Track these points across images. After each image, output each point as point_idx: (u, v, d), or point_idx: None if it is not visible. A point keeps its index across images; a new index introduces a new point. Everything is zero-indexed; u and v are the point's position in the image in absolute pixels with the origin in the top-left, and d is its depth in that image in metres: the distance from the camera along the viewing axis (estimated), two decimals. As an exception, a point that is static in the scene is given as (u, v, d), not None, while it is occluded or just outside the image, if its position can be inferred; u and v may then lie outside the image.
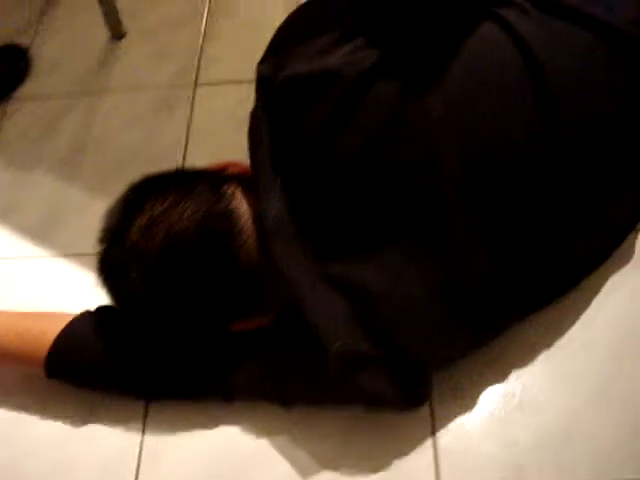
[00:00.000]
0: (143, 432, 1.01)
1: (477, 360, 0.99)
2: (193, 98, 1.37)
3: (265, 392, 0.95)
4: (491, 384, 1.00)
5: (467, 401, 0.99)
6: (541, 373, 1.00)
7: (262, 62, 0.95)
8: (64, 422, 1.03)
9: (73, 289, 1.16)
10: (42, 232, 1.23)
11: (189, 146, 1.31)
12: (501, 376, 1.01)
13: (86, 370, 0.98)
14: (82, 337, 0.98)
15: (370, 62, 0.86)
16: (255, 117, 0.94)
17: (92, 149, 1.33)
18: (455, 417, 0.98)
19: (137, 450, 1.00)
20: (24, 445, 1.02)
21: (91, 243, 1.16)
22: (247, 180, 0.94)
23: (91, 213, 1.19)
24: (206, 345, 0.96)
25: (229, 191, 0.90)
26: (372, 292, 0.85)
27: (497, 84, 0.84)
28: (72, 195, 1.27)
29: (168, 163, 1.25)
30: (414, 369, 0.88)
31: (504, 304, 0.91)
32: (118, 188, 1.22)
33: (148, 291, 0.87)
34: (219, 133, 1.32)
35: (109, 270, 0.91)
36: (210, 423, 1.01)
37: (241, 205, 0.90)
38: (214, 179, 0.92)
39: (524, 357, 1.02)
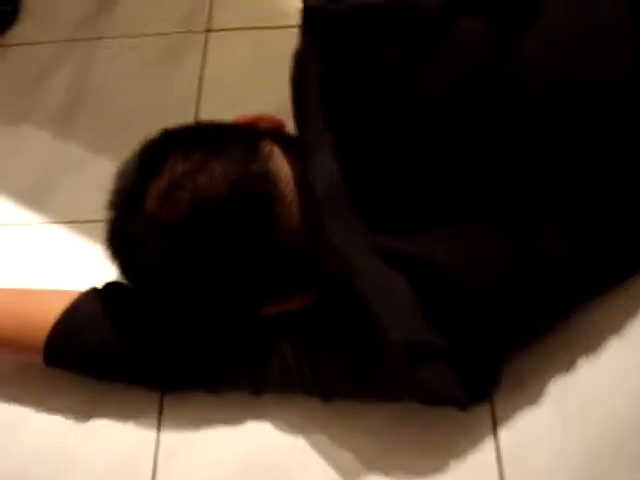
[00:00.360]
0: (159, 429, 0.88)
1: (541, 348, 0.86)
2: (205, 45, 1.21)
3: (303, 384, 0.81)
4: (557, 375, 0.88)
5: (531, 394, 0.87)
6: (612, 363, 0.88)
7: None
8: (66, 416, 0.89)
9: (74, 261, 1.02)
10: (35, 195, 1.08)
11: (202, 99, 1.15)
12: (568, 366, 0.88)
13: (92, 357, 0.84)
14: (87, 318, 0.84)
15: None
16: (302, 59, 0.79)
17: (90, 102, 1.17)
18: (518, 412, 0.86)
19: (153, 449, 0.86)
20: (20, 443, 0.88)
21: (92, 208, 1.03)
22: (285, 137, 0.80)
23: (91, 174, 1.08)
24: (234, 329, 0.82)
25: (265, 150, 0.75)
26: (442, 270, 0.72)
27: (597, 31, 0.71)
28: (68, 154, 1.12)
29: (178, 118, 1.09)
30: (484, 360, 0.76)
31: (583, 284, 0.79)
32: (121, 146, 1.07)
33: (169, 267, 0.73)
34: (235, 84, 1.17)
35: (122, 242, 0.76)
36: (236, 418, 0.87)
37: (281, 166, 0.75)
38: (246, 135, 0.77)
39: (593, 345, 0.89)
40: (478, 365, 0.76)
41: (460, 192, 0.73)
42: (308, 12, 0.77)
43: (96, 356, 0.83)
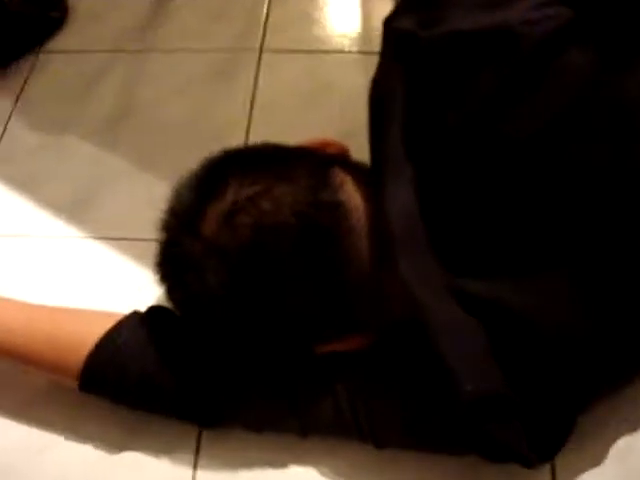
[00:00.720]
0: (195, 467, 0.82)
1: (604, 402, 0.80)
2: (258, 66, 1.16)
3: (357, 431, 0.76)
4: (622, 432, 0.82)
5: (593, 452, 0.81)
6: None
7: (396, 15, 0.75)
8: (96, 446, 0.83)
9: (113, 280, 0.97)
10: (75, 208, 1.03)
11: (252, 120, 1.10)
12: (633, 423, 0.83)
13: (131, 385, 0.78)
14: (129, 344, 0.78)
15: (558, 23, 0.66)
16: (383, 84, 0.74)
17: (135, 117, 1.12)
18: (579, 471, 0.80)
19: (189, 487, 0.80)
20: (42, 473, 0.82)
21: (134, 225, 1.00)
22: (355, 165, 0.75)
23: (134, 190, 1.04)
24: (286, 367, 0.76)
25: (337, 179, 0.70)
26: (521, 317, 0.67)
27: None
28: (112, 167, 1.07)
29: (227, 138, 1.08)
30: (558, 418, 0.70)
31: None
32: (166, 163, 1.06)
33: (228, 296, 0.68)
34: (286, 108, 1.12)
35: (175, 265, 0.71)
36: (278, 461, 0.82)
37: (352, 197, 0.70)
38: (316, 161, 0.72)
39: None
40: (551, 423, 0.71)
41: (547, 240, 0.67)
42: (397, 37, 0.72)
43: (135, 385, 0.78)
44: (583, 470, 0.80)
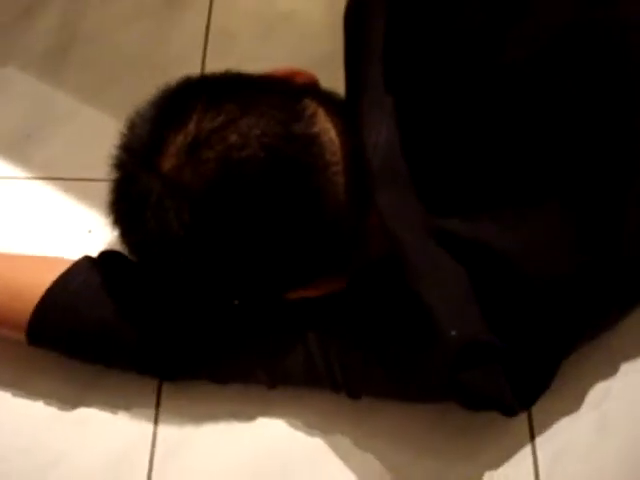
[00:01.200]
0: (156, 422, 0.77)
1: (579, 350, 0.77)
2: (212, -9, 1.08)
3: (330, 380, 0.71)
4: (598, 380, 0.80)
5: (569, 399, 0.79)
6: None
7: None
8: (48, 403, 0.77)
9: (59, 223, 0.89)
10: (15, 147, 0.94)
11: (208, 50, 1.02)
12: (610, 370, 0.80)
13: (84, 337, 0.72)
14: (81, 293, 0.72)
15: None
16: (361, 11, 0.67)
17: (81, 45, 1.03)
18: (555, 418, 0.78)
19: (149, 445, 0.75)
20: (-5, 434, 0.76)
21: (81, 164, 0.92)
22: (328, 96, 0.68)
23: (79, 126, 0.96)
24: (253, 314, 0.71)
25: (310, 110, 0.64)
26: (505, 258, 0.62)
27: None
28: (55, 102, 0.98)
29: (180, 72, 0.99)
30: (543, 363, 0.67)
31: None
32: (114, 97, 0.98)
33: (191, 238, 0.62)
34: (243, 38, 1.05)
35: (132, 206, 0.64)
36: (243, 413, 0.78)
37: (326, 129, 0.64)
38: (286, 91, 0.66)
39: (634, 347, 0.81)
40: (534, 369, 0.67)
41: (531, 175, 0.63)
42: None
43: (89, 336, 0.72)
44: (559, 416, 0.78)
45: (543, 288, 0.63)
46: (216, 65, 0.99)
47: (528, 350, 0.66)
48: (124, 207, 0.65)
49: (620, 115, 0.61)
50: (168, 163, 0.62)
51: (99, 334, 0.72)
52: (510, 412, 0.69)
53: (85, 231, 0.88)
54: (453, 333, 0.62)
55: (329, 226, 0.64)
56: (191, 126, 0.62)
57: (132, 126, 0.66)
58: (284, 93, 0.65)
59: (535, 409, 0.76)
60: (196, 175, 0.61)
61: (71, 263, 0.74)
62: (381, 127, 0.64)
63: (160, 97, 0.66)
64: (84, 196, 0.90)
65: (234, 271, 0.64)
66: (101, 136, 0.93)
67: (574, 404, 0.78)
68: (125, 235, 0.67)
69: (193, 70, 1.00)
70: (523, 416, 0.77)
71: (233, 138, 0.61)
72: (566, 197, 0.62)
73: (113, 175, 0.67)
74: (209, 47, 1.03)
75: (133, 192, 0.64)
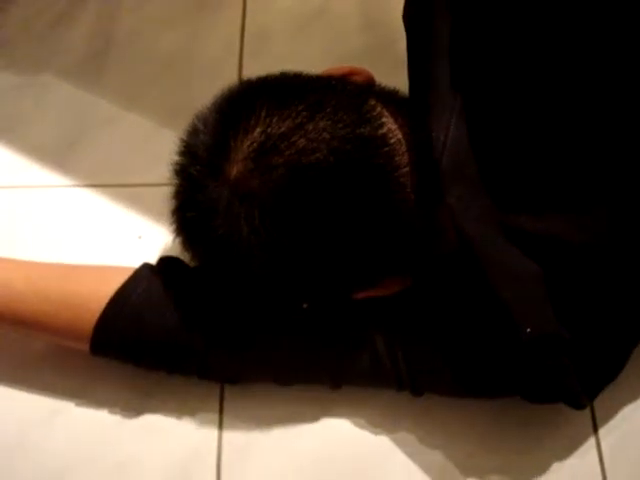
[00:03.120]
0: (220, 426, 0.77)
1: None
2: (246, -9, 1.07)
3: (396, 379, 0.71)
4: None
5: (630, 390, 0.79)
6: None
7: None
8: (112, 412, 0.77)
9: (107, 230, 0.89)
10: (58, 154, 0.94)
11: (244, 50, 1.02)
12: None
13: (148, 345, 0.72)
14: (144, 301, 0.72)
15: None
16: (424, 5, 0.67)
17: (117, 50, 1.03)
18: (619, 411, 0.78)
19: (215, 449, 0.76)
20: (54, 442, 0.76)
21: (124, 170, 0.92)
22: (390, 96, 0.68)
23: (121, 132, 0.96)
24: (319, 316, 0.71)
25: (376, 111, 0.64)
26: (577, 249, 0.62)
27: None
28: (94, 108, 0.98)
29: (218, 72, 1.01)
30: (611, 356, 0.67)
31: None
32: (154, 101, 0.98)
33: (262, 245, 0.62)
34: (278, 36, 1.04)
35: (199, 214, 0.64)
36: (308, 414, 0.78)
37: (394, 130, 0.64)
38: (350, 92, 0.66)
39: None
40: (603, 361, 0.67)
41: (608, 173, 0.62)
42: None
43: (153, 344, 0.72)
44: (621, 405, 0.78)
45: (615, 278, 0.63)
46: (253, 65, 1.01)
47: (598, 343, 0.66)
48: (191, 215, 0.65)
49: None
50: (235, 169, 0.62)
51: (163, 341, 0.72)
52: (579, 405, 0.69)
53: (135, 237, 0.87)
54: (528, 330, 0.62)
55: (399, 227, 0.64)
56: (257, 131, 0.62)
57: (195, 131, 0.65)
58: (348, 93, 0.65)
59: (597, 399, 0.76)
60: (265, 181, 0.61)
61: (131, 271, 0.74)
62: (449, 125, 0.63)
63: (222, 101, 0.66)
64: (132, 202, 0.90)
65: (305, 275, 0.64)
66: (143, 140, 0.95)
67: (634, 393, 0.78)
68: (192, 242, 0.67)
69: (230, 71, 1.01)
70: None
71: (302, 143, 0.61)
72: (631, 191, 0.62)
73: (175, 181, 0.66)
74: (245, 47, 1.03)
75: (200, 199, 0.63)
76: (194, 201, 0.64)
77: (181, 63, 1.02)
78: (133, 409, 0.77)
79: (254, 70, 0.94)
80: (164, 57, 1.02)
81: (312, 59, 1.01)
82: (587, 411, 0.78)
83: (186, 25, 1.05)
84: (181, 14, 1.06)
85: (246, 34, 1.04)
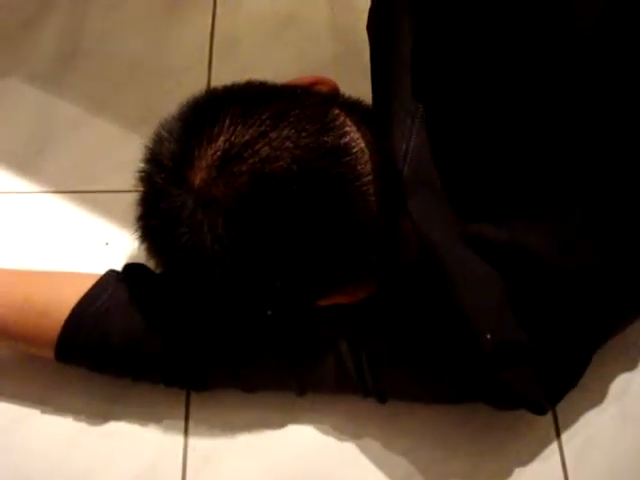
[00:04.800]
0: (186, 432, 0.77)
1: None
2: (215, -3, 1.08)
3: (361, 385, 0.72)
4: (618, 373, 0.81)
5: (592, 395, 0.80)
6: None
7: None
8: (78, 419, 0.77)
9: (74, 237, 0.89)
10: (25, 160, 0.93)
11: (214, 56, 1.02)
12: (629, 362, 0.82)
13: (113, 351, 0.72)
14: (109, 308, 0.72)
15: None
16: (386, 14, 0.67)
17: (86, 54, 1.02)
18: (580, 413, 0.79)
19: (180, 456, 0.75)
20: (20, 450, 0.76)
21: (90, 176, 0.92)
22: (353, 105, 0.69)
23: (87, 138, 0.96)
24: (284, 322, 0.71)
25: (339, 120, 0.64)
26: (539, 258, 0.63)
27: None
28: (61, 114, 0.98)
29: (187, 78, 1.01)
30: (573, 361, 0.68)
31: None
32: (122, 107, 0.98)
33: (225, 252, 0.62)
34: (248, 42, 1.05)
35: (163, 222, 0.64)
36: (273, 421, 0.78)
37: (356, 139, 0.65)
38: (313, 101, 0.66)
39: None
40: (564, 367, 0.68)
41: (569, 177, 0.63)
42: None
43: (119, 351, 0.72)
44: (583, 410, 0.80)
45: (575, 284, 0.64)
46: (222, 70, 1.02)
47: (559, 349, 0.67)
48: (155, 222, 0.65)
49: None
50: (199, 177, 0.62)
51: (127, 348, 0.72)
52: (540, 411, 0.70)
53: (102, 243, 0.87)
54: (488, 336, 0.63)
55: (361, 235, 0.64)
56: (221, 139, 0.62)
57: (160, 140, 0.66)
58: (312, 103, 0.65)
59: (559, 404, 0.77)
60: (229, 189, 0.61)
61: (96, 277, 0.74)
62: (411, 134, 0.64)
63: (187, 110, 0.66)
64: (98, 208, 0.90)
65: (268, 282, 0.64)
66: (110, 146, 0.95)
67: (597, 398, 0.79)
68: (156, 249, 0.67)
69: (200, 76, 1.01)
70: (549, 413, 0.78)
71: (265, 151, 0.61)
72: (595, 196, 0.63)
73: (140, 189, 0.67)
74: (214, 53, 1.03)
75: (164, 207, 0.63)
76: (158, 209, 0.64)
77: (150, 68, 1.01)
78: (99, 416, 0.77)
79: (223, 76, 0.95)
80: (133, 62, 1.02)
81: (281, 65, 1.02)
82: (550, 416, 0.78)
83: (155, 30, 1.05)
84: (150, 19, 1.06)
85: (215, 40, 1.04)
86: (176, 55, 1.03)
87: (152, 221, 0.66)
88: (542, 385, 0.68)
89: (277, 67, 1.01)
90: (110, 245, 0.87)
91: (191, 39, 1.04)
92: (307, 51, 1.04)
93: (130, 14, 1.06)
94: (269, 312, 0.70)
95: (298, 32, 1.06)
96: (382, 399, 0.73)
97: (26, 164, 0.93)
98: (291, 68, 1.01)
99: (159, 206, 0.64)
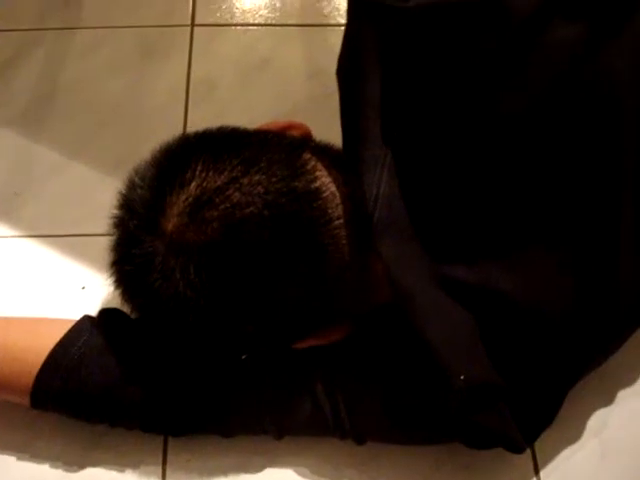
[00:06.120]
0: (164, 477, 0.76)
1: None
2: (191, 40, 1.09)
3: (338, 428, 0.72)
4: (596, 408, 0.81)
5: (570, 431, 0.80)
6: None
7: None
8: (54, 466, 0.76)
9: (51, 281, 0.88)
10: (4, 205, 0.94)
11: (190, 99, 1.03)
12: (607, 397, 0.82)
13: (89, 398, 0.72)
14: (84, 354, 0.72)
15: None
16: (355, 62, 0.68)
17: (63, 98, 1.03)
18: (558, 449, 0.79)
19: (158, 502, 0.75)
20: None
21: (69, 220, 0.92)
22: (325, 150, 0.70)
23: (64, 182, 0.96)
24: (259, 366, 0.72)
25: (310, 164, 0.65)
26: (510, 301, 0.64)
27: None
28: (40, 157, 0.98)
29: (163, 122, 1.02)
30: (547, 400, 0.68)
31: None
32: (100, 149, 0.99)
33: (197, 297, 0.62)
34: (224, 86, 1.06)
35: (136, 267, 0.64)
36: (251, 465, 0.77)
37: (327, 184, 0.65)
38: (285, 146, 0.67)
39: (630, 374, 0.83)
40: (540, 405, 0.69)
41: (535, 217, 0.64)
42: (370, 8, 0.67)
43: (95, 398, 0.72)
44: (562, 447, 0.80)
45: (545, 326, 0.65)
46: (198, 113, 1.02)
47: (533, 388, 0.67)
48: (127, 268, 0.65)
49: (607, 163, 0.64)
50: (171, 224, 0.62)
51: (103, 395, 0.71)
52: (517, 449, 0.70)
53: (79, 288, 0.87)
54: (461, 377, 0.63)
55: (333, 279, 0.65)
56: (193, 185, 0.63)
57: (132, 186, 0.66)
58: (283, 148, 0.66)
59: (537, 441, 0.77)
60: (200, 235, 0.62)
61: (71, 323, 0.73)
62: (381, 179, 0.65)
63: (159, 156, 0.66)
64: (76, 252, 0.90)
65: (241, 327, 0.65)
66: (88, 190, 0.96)
67: (575, 434, 0.80)
68: (129, 295, 0.67)
69: (176, 119, 1.02)
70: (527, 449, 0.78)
71: (236, 197, 0.62)
72: (563, 239, 0.64)
73: (113, 234, 0.67)
74: (190, 95, 1.04)
75: (137, 253, 0.64)
76: (131, 255, 0.64)
77: (127, 111, 1.02)
78: (75, 463, 0.76)
79: (200, 119, 0.97)
80: (110, 105, 1.03)
81: (257, 108, 1.03)
82: (528, 453, 0.78)
83: (132, 73, 1.06)
84: (127, 62, 1.07)
85: (192, 82, 1.05)
86: (152, 99, 1.03)
87: (125, 267, 0.66)
88: (518, 424, 0.68)
89: (253, 110, 1.02)
90: (87, 289, 0.87)
91: (167, 83, 1.05)
92: (283, 94, 1.05)
93: (107, 58, 1.07)
94: (244, 356, 0.69)
95: (273, 75, 1.07)
96: (360, 441, 0.73)
97: (3, 208, 0.93)
98: (267, 111, 1.02)
99: (132, 252, 0.64)
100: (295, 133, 0.71)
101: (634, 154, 0.64)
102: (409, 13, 0.65)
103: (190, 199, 0.62)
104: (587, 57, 0.64)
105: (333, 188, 0.65)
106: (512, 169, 0.64)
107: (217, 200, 0.62)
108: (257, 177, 0.62)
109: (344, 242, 0.64)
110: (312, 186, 0.64)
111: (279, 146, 0.66)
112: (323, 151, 0.69)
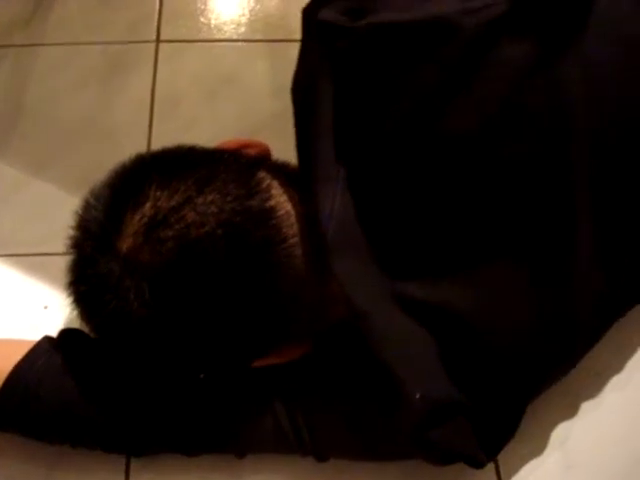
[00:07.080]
0: (125, 498, 0.76)
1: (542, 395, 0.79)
2: (156, 57, 1.09)
3: (299, 445, 0.72)
4: (559, 421, 0.82)
5: (533, 443, 0.81)
6: (614, 403, 0.83)
7: (318, 4, 0.69)
8: (14, 488, 0.76)
9: (12, 300, 0.88)
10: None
11: (154, 115, 1.03)
12: (569, 409, 0.83)
13: (49, 419, 0.71)
14: (43, 374, 0.71)
15: (495, 13, 0.63)
16: (307, 81, 0.69)
17: (26, 116, 1.03)
18: (521, 461, 0.80)
19: (119, 524, 0.74)
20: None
21: (31, 240, 0.92)
22: (281, 168, 0.70)
23: (28, 201, 0.96)
24: (218, 385, 0.71)
25: (265, 183, 0.65)
26: (465, 320, 0.64)
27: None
28: (1, 177, 0.98)
29: (127, 139, 1.01)
30: (507, 415, 0.68)
31: (604, 325, 0.73)
32: (64, 167, 0.98)
33: (152, 317, 0.62)
34: (188, 102, 1.06)
35: (92, 287, 0.64)
36: (215, 483, 0.77)
37: (282, 202, 0.65)
38: (240, 165, 0.67)
39: (592, 385, 0.84)
40: (499, 419, 0.69)
41: (486, 234, 0.65)
42: (322, 29, 0.67)
43: (54, 419, 0.71)
44: (525, 459, 0.80)
45: (499, 343, 0.65)
46: (163, 129, 1.02)
47: (492, 403, 0.67)
48: (83, 289, 0.65)
49: (558, 179, 0.64)
50: (126, 244, 0.62)
51: (63, 416, 0.71)
52: (478, 464, 0.70)
53: (41, 307, 0.87)
54: (417, 396, 0.63)
55: (289, 298, 0.65)
56: (148, 205, 0.62)
57: (87, 207, 0.66)
58: (238, 167, 0.66)
59: (501, 454, 0.77)
60: (155, 254, 0.61)
61: (31, 345, 0.73)
62: (334, 197, 0.65)
63: (114, 177, 0.66)
64: (38, 272, 0.89)
65: (197, 346, 0.64)
66: (50, 209, 0.95)
67: (538, 446, 0.80)
68: (86, 315, 0.67)
69: (140, 135, 1.01)
70: (490, 463, 0.78)
71: (191, 216, 0.62)
72: (519, 256, 0.64)
73: (70, 255, 0.67)
74: (155, 111, 1.04)
75: (92, 274, 0.63)
76: (86, 275, 0.64)
77: (91, 128, 1.02)
78: (36, 485, 0.75)
79: (164, 136, 0.97)
80: (74, 122, 1.02)
81: (221, 124, 1.03)
82: (492, 467, 0.79)
83: (96, 91, 1.05)
84: (92, 78, 1.06)
85: (156, 98, 1.05)
86: (117, 116, 1.03)
87: (81, 287, 0.65)
88: (478, 438, 0.68)
89: (217, 126, 1.02)
90: (49, 308, 0.86)
91: (131, 100, 1.04)
92: (248, 110, 1.05)
93: (71, 76, 1.06)
94: (202, 375, 0.69)
95: (239, 91, 1.07)
96: (321, 458, 0.73)
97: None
98: (231, 127, 1.02)
99: (87, 273, 0.64)
100: (252, 151, 0.71)
101: (586, 169, 0.64)
102: (359, 33, 0.65)
103: (145, 219, 0.62)
104: (534, 75, 0.64)
105: (288, 207, 0.65)
106: (463, 187, 0.65)
107: (172, 220, 0.62)
108: (211, 196, 0.62)
109: (299, 260, 0.64)
110: (267, 205, 0.64)
111: (234, 165, 0.66)
112: (279, 169, 0.69)
